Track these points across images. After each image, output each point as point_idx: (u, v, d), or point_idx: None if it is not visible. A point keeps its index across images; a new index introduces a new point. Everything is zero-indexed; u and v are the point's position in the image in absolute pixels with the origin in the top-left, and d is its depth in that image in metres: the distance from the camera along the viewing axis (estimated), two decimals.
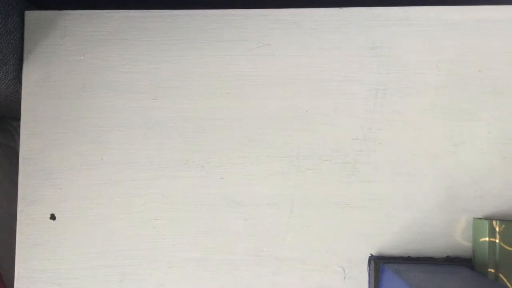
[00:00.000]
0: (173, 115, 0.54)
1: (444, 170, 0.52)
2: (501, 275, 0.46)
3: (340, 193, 0.52)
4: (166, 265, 0.52)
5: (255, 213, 0.52)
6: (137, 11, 0.55)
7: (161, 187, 0.53)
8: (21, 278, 0.53)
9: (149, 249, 0.52)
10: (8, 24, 0.53)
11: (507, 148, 0.51)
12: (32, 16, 0.55)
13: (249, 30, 0.54)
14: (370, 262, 0.51)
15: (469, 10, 0.53)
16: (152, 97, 0.54)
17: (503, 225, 0.46)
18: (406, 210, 0.51)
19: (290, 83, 0.53)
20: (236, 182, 0.53)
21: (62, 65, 0.55)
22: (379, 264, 0.49)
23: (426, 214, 0.51)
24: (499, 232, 0.47)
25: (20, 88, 0.56)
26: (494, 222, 0.47)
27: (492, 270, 0.46)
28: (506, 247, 0.46)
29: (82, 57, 0.55)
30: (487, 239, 0.47)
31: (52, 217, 0.53)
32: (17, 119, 0.68)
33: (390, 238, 0.51)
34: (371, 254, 0.51)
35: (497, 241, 0.46)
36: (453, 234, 0.51)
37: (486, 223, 0.47)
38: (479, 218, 0.50)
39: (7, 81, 0.55)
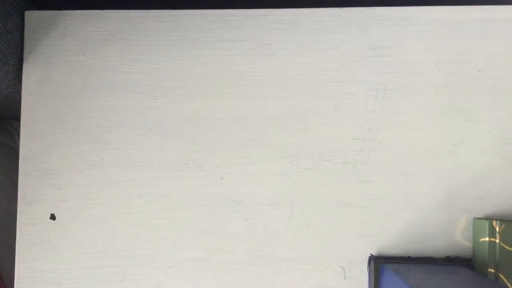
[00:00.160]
0: (173, 115, 0.54)
1: (444, 170, 0.52)
2: (501, 275, 0.46)
3: (340, 193, 0.52)
4: (166, 265, 0.52)
5: (255, 213, 0.52)
6: (137, 11, 0.55)
7: (161, 187, 0.53)
8: (21, 278, 0.53)
9: (149, 249, 0.52)
10: (8, 24, 0.53)
11: (507, 148, 0.51)
12: (32, 16, 0.55)
13: (249, 30, 0.54)
14: (370, 262, 0.51)
15: (469, 10, 0.53)
16: (152, 97, 0.54)
17: (503, 225, 0.46)
18: (406, 210, 0.51)
19: (290, 83, 0.53)
20: (236, 182, 0.53)
21: (62, 65, 0.55)
22: (379, 264, 0.49)
23: (426, 214, 0.51)
24: (499, 232, 0.47)
25: (20, 88, 0.56)
26: (494, 222, 0.47)
27: (492, 270, 0.46)
28: (506, 247, 0.46)
29: (82, 57, 0.55)
30: (487, 239, 0.47)
31: (52, 217, 0.53)
32: (17, 119, 0.68)
33: (390, 238, 0.51)
34: (371, 254, 0.51)
35: (497, 241, 0.46)
36: (453, 234, 0.51)
37: (486, 223, 0.47)
38: (479, 218, 0.50)
39: (7, 81, 0.55)
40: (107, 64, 0.55)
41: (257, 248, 0.52)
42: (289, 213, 0.52)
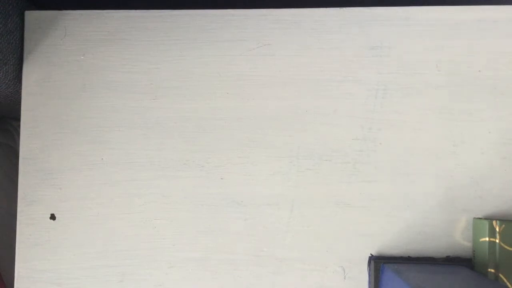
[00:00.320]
0: (173, 115, 0.54)
1: (444, 170, 0.52)
2: (501, 275, 0.46)
3: (340, 193, 0.52)
4: (166, 265, 0.52)
5: (255, 213, 0.52)
6: (137, 11, 0.55)
7: (161, 187, 0.53)
8: (21, 278, 0.53)
9: (149, 249, 0.52)
10: (8, 24, 0.53)
11: (507, 148, 0.51)
12: (32, 16, 0.55)
13: (249, 30, 0.54)
14: (370, 262, 0.51)
15: (469, 10, 0.53)
16: (152, 97, 0.54)
17: (503, 225, 0.46)
18: (406, 210, 0.51)
19: (290, 83, 0.53)
20: (236, 182, 0.53)
21: (62, 65, 0.55)
22: (379, 264, 0.49)
23: (426, 214, 0.51)
24: (499, 232, 0.47)
25: (20, 88, 0.56)
26: (494, 222, 0.47)
27: (492, 270, 0.46)
28: (506, 247, 0.46)
29: (82, 57, 0.55)
30: (487, 239, 0.47)
31: (52, 217, 0.53)
32: (17, 119, 0.68)
33: (390, 238, 0.51)
34: (371, 254, 0.51)
35: (497, 241, 0.46)
36: (453, 234, 0.51)
37: (486, 223, 0.47)
38: (479, 218, 0.50)
39: (7, 81, 0.55)
40: (107, 64, 0.55)
41: (257, 248, 0.52)
42: (289, 213, 0.52)
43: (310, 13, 0.54)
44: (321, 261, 0.52)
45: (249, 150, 0.53)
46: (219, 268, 0.52)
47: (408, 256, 0.51)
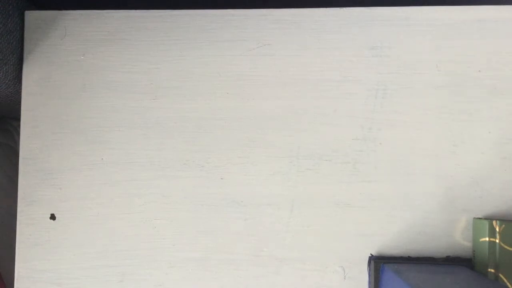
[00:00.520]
0: (173, 115, 0.54)
1: (444, 170, 0.52)
2: (501, 275, 0.46)
3: (340, 193, 0.52)
4: (166, 265, 0.52)
5: (255, 213, 0.52)
6: (137, 11, 0.55)
7: (161, 187, 0.53)
8: (21, 278, 0.53)
9: (149, 249, 0.52)
10: (8, 24, 0.53)
11: (507, 148, 0.51)
12: (32, 16, 0.55)
13: (249, 30, 0.54)
14: (370, 262, 0.51)
15: (469, 10, 0.53)
16: (152, 97, 0.54)
17: (503, 225, 0.46)
18: (406, 210, 0.51)
19: (290, 83, 0.53)
20: (236, 182, 0.53)
21: (62, 65, 0.55)
22: (379, 264, 0.49)
23: (426, 214, 0.51)
24: (499, 232, 0.47)
25: (20, 88, 0.56)
26: (494, 222, 0.47)
27: (492, 270, 0.46)
28: (506, 247, 0.46)
29: (82, 57, 0.55)
30: (487, 239, 0.47)
31: (52, 217, 0.53)
32: (17, 119, 0.68)
33: (390, 238, 0.51)
34: (371, 254, 0.51)
35: (497, 241, 0.46)
36: (453, 234, 0.51)
37: (486, 223, 0.47)
38: (479, 218, 0.50)
39: (7, 81, 0.55)
40: (107, 64, 0.55)
41: (257, 248, 0.52)
42: (289, 213, 0.52)
43: (310, 13, 0.54)
44: (321, 261, 0.52)
45: (249, 150, 0.53)
46: (219, 268, 0.52)
47: (408, 256, 0.51)
